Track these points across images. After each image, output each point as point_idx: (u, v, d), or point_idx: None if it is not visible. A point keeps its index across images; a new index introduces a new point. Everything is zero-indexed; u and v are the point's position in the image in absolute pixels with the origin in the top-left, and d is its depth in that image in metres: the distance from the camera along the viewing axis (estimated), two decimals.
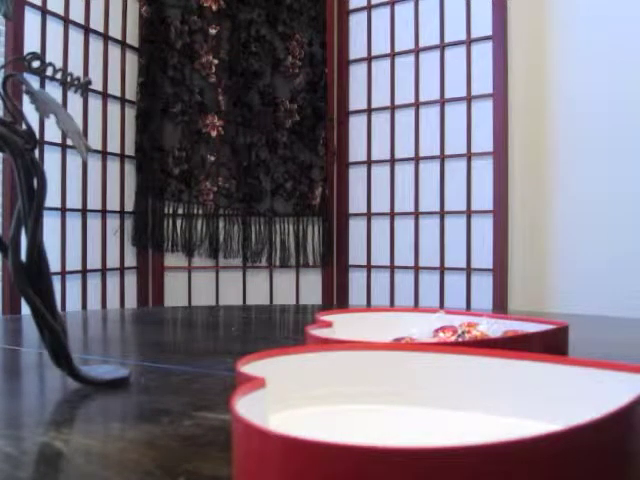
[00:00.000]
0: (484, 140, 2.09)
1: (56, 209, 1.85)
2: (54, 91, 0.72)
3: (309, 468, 0.21)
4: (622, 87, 1.93)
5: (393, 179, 2.29)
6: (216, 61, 2.26)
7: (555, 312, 1.93)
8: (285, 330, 1.05)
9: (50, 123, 0.51)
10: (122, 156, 2.14)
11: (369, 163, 2.34)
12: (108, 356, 0.74)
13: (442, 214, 2.18)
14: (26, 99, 0.50)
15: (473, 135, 2.13)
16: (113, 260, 2.10)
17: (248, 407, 0.26)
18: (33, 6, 1.79)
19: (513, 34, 2.09)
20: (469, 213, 2.13)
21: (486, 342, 0.52)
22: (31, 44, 1.75)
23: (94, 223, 2.02)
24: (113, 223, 2.11)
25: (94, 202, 2.01)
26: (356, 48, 2.39)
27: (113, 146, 2.10)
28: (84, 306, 1.96)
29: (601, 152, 1.96)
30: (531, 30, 2.08)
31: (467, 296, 2.14)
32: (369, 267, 2.34)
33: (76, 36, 1.95)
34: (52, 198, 1.81)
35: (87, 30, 1.99)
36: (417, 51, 2.24)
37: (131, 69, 2.18)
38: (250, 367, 0.32)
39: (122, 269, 2.13)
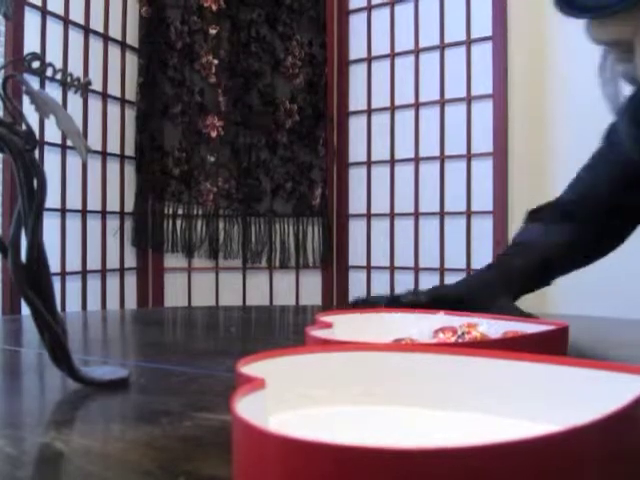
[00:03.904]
0: (484, 140, 2.09)
1: (56, 210, 1.85)
2: (54, 91, 0.72)
3: (309, 468, 0.21)
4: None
5: (393, 179, 2.29)
6: (216, 61, 2.26)
7: (555, 312, 1.93)
8: (285, 331, 1.05)
9: (50, 123, 0.51)
10: (122, 157, 2.14)
11: (369, 163, 2.34)
12: (108, 357, 0.74)
13: (442, 214, 2.18)
14: (26, 99, 0.50)
15: (473, 135, 2.12)
16: (113, 261, 2.10)
17: (248, 408, 0.26)
18: (33, 6, 1.78)
19: (513, 34, 2.08)
20: (469, 213, 2.13)
21: (486, 343, 0.52)
22: (31, 44, 1.75)
23: (94, 224, 2.02)
24: (113, 224, 2.11)
25: (94, 203, 2.01)
26: (356, 48, 2.39)
27: (113, 146, 2.10)
28: (84, 307, 1.96)
29: None
30: (531, 30, 2.08)
31: None
32: (369, 268, 2.34)
33: (76, 36, 1.95)
34: (52, 198, 1.81)
35: (87, 30, 1.99)
36: (417, 51, 2.24)
37: (131, 69, 2.18)
38: (250, 368, 0.32)
39: (122, 270, 2.13)
